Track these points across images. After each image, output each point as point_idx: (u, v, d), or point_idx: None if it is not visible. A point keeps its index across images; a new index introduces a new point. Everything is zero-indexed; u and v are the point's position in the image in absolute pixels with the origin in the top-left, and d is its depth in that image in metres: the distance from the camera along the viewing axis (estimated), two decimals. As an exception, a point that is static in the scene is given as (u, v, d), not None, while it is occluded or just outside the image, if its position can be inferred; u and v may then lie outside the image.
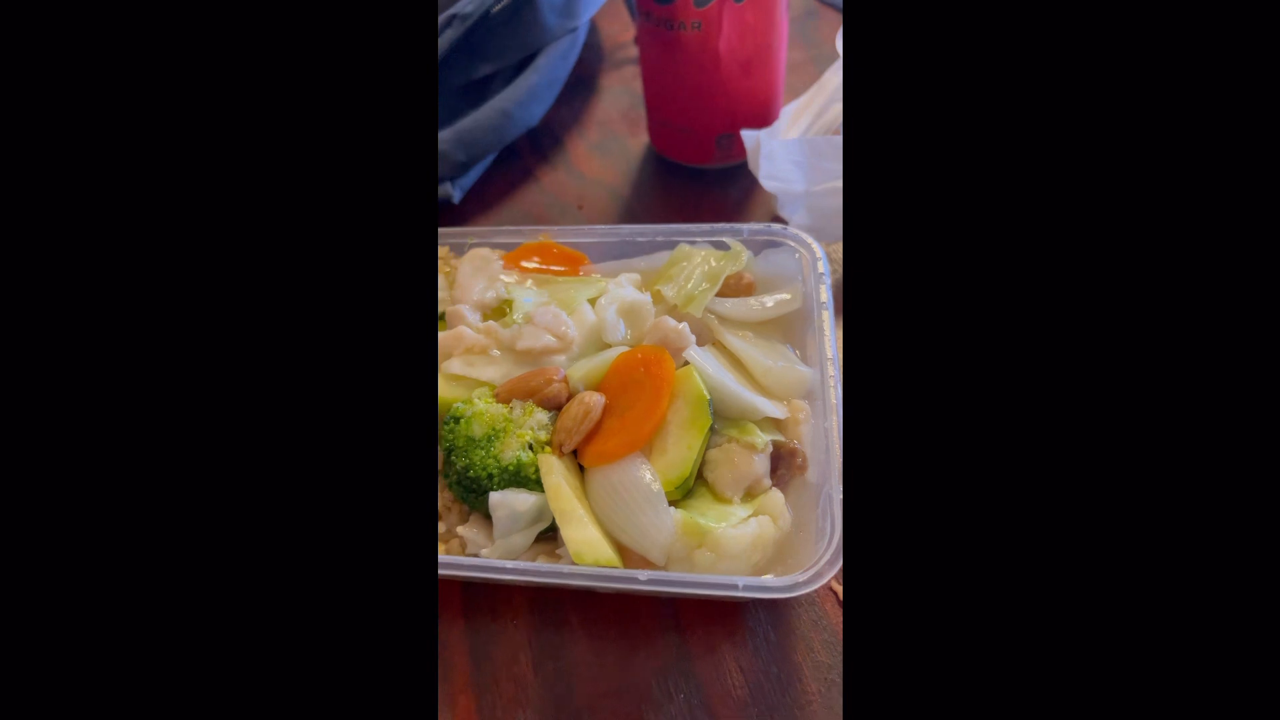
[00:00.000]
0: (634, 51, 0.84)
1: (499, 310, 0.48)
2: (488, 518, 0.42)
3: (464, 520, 0.43)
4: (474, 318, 0.47)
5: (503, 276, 0.49)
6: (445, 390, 0.44)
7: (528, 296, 0.48)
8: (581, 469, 0.42)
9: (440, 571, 0.39)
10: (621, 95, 0.80)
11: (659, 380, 0.41)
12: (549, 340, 0.45)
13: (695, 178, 0.68)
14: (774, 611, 0.43)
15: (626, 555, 0.40)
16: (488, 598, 0.45)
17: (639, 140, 0.74)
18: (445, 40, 0.68)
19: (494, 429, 0.41)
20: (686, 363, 0.43)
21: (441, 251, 0.53)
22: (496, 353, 0.45)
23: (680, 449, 0.40)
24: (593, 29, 0.86)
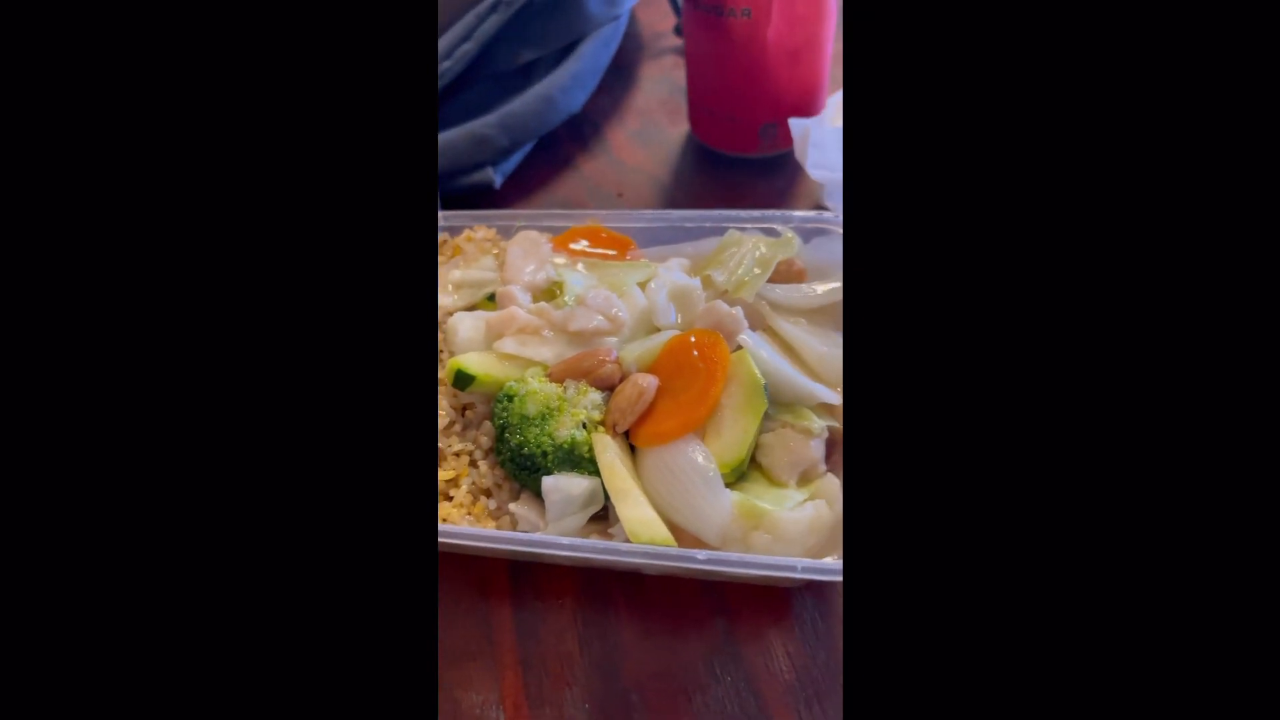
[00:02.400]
0: (673, 41, 0.84)
1: (549, 292, 0.49)
2: (539, 496, 0.42)
3: (515, 498, 0.43)
4: (525, 299, 0.47)
5: (553, 259, 0.50)
6: (497, 369, 0.44)
7: (578, 279, 0.48)
8: (633, 450, 0.43)
9: (492, 546, 0.40)
10: (661, 84, 0.80)
11: (713, 363, 0.41)
12: (600, 322, 0.45)
13: (737, 167, 0.68)
14: (822, 599, 0.43)
15: (680, 537, 0.40)
16: (535, 577, 0.45)
17: (679, 129, 0.74)
18: (490, 25, 0.68)
19: (548, 407, 0.41)
20: (740, 347, 0.43)
21: (489, 233, 0.54)
22: (548, 333, 0.45)
23: (735, 432, 0.40)
24: (631, 18, 0.86)
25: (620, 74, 0.80)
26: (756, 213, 0.51)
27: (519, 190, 0.70)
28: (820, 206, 0.62)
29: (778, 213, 0.51)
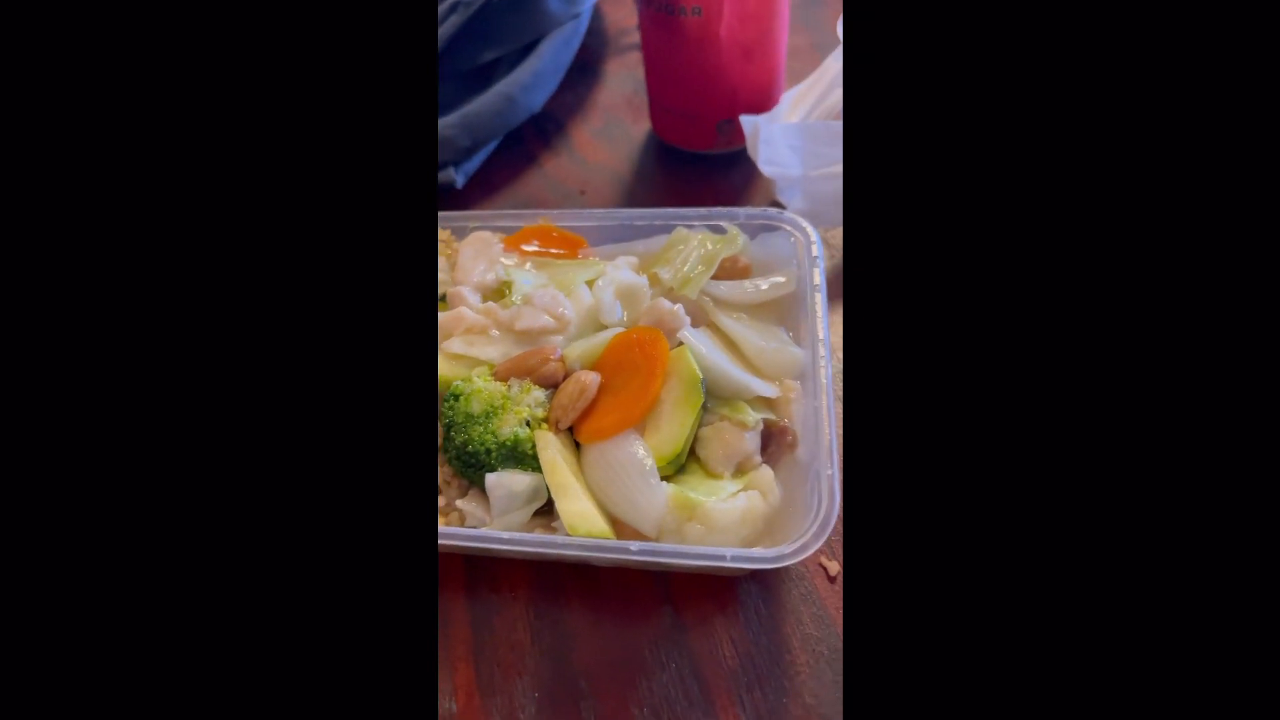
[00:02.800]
0: (637, 37, 0.85)
1: (499, 292, 0.50)
2: (485, 492, 0.43)
3: (463, 494, 0.44)
4: (474, 299, 0.48)
5: (503, 259, 0.51)
6: (445, 369, 0.45)
7: (527, 278, 0.49)
8: (577, 445, 0.44)
9: (441, 542, 0.41)
10: (625, 81, 0.80)
11: (653, 360, 0.42)
12: (546, 321, 0.46)
13: (697, 163, 0.69)
14: (765, 586, 0.45)
15: (620, 528, 0.41)
16: (488, 571, 0.47)
17: (642, 126, 0.75)
18: (449, 26, 0.69)
19: (492, 406, 0.42)
20: (681, 343, 0.44)
21: (443, 234, 0.55)
22: (496, 333, 0.46)
23: (673, 426, 0.41)
24: (596, 14, 0.87)
25: (584, 71, 0.81)
26: (704, 210, 0.52)
27: (483, 189, 0.71)
28: (776, 203, 0.63)
29: (724, 210, 0.52)
